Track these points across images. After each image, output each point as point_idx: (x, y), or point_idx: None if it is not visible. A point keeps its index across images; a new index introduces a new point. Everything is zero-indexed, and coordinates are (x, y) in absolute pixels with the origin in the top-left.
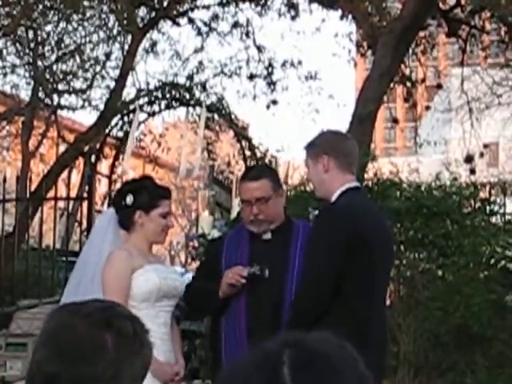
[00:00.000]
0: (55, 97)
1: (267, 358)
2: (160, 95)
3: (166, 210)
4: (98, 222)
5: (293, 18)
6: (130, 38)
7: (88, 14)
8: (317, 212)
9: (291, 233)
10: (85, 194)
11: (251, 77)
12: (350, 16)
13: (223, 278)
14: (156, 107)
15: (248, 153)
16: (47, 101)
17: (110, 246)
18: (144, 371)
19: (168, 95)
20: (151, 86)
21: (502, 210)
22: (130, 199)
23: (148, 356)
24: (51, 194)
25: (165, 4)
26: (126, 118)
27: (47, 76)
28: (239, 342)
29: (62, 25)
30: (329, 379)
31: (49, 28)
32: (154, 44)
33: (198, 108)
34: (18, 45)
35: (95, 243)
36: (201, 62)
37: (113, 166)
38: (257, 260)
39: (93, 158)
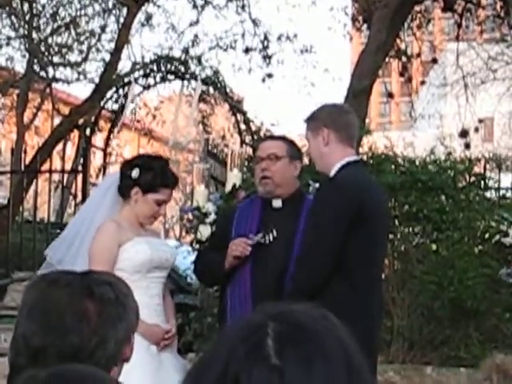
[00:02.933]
0: (50, 69)
1: (251, 329)
2: (155, 68)
3: (163, 199)
4: (100, 184)
5: None
6: (125, 10)
7: None
8: (317, 185)
9: (302, 205)
10: (80, 167)
11: (247, 50)
12: None
13: (228, 251)
14: (151, 80)
15: (243, 126)
16: (42, 73)
17: (108, 206)
18: (129, 334)
19: (163, 68)
20: (146, 59)
21: (496, 185)
22: (135, 173)
23: (132, 320)
24: (46, 166)
25: None
26: (121, 91)
27: (42, 49)
28: (244, 310)
29: None
30: (313, 351)
31: (44, 0)
32: (149, 17)
33: (193, 81)
34: (13, 17)
35: (94, 201)
36: (196, 36)
37: (108, 139)
38: (265, 228)
39: (88, 131)
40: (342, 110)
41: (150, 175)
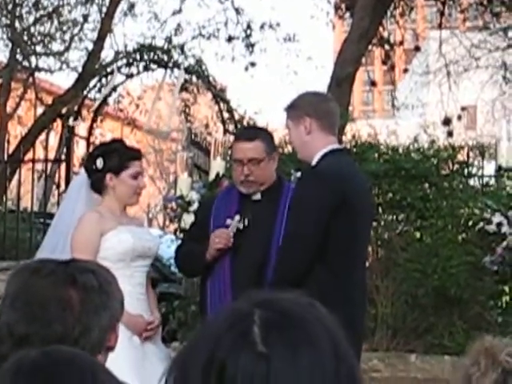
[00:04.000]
0: (33, 59)
1: (238, 317)
2: (138, 57)
3: (136, 170)
4: (71, 186)
5: None
6: None
7: None
8: (299, 174)
9: (280, 193)
10: (63, 157)
11: (229, 39)
12: None
13: (210, 243)
14: (134, 69)
15: (226, 115)
16: (25, 63)
17: (82, 208)
18: (113, 322)
19: (146, 57)
20: (129, 49)
21: (480, 173)
22: (100, 162)
23: (116, 308)
24: (29, 156)
25: None
26: (103, 80)
27: (25, 38)
28: (223, 300)
29: None
30: (299, 338)
31: None
32: (132, 6)
33: (176, 70)
34: None
35: (68, 206)
36: (179, 25)
37: (91, 128)
38: (243, 216)
39: (71, 120)
40: (324, 98)
41: (114, 156)
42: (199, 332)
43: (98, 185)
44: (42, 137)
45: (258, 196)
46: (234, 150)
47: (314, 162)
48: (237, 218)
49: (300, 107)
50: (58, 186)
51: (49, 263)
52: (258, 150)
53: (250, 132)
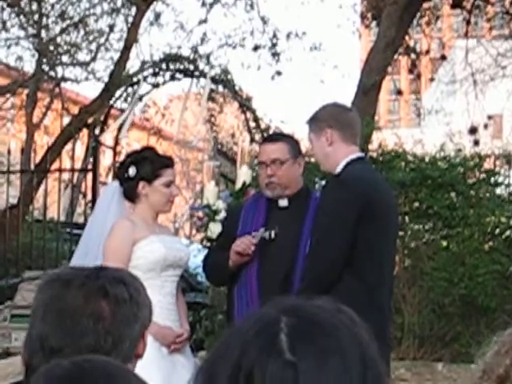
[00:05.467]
0: (59, 69)
1: (265, 324)
2: (164, 67)
3: (169, 179)
4: (102, 195)
5: None
6: (134, 9)
7: None
8: (324, 182)
9: (308, 202)
10: (89, 166)
11: (255, 48)
12: None
13: (232, 246)
14: (160, 79)
15: (252, 124)
16: (51, 73)
17: (114, 217)
18: (143, 331)
19: (172, 67)
20: (155, 58)
21: (506, 181)
22: (132, 171)
23: (146, 316)
24: (56, 165)
25: None
26: (130, 90)
27: (51, 48)
28: (250, 309)
29: None
30: (327, 345)
31: (53, 0)
32: (158, 16)
33: (202, 80)
34: (21, 16)
35: (99, 216)
36: (205, 34)
37: (117, 138)
38: (271, 227)
39: (97, 130)
40: (344, 109)
41: (147, 164)
42: (226, 339)
43: (130, 193)
44: (69, 146)
45: (285, 203)
46: (259, 152)
47: (337, 172)
48: (261, 230)
49: (321, 119)
50: (85, 196)
51: (79, 273)
52: (281, 150)
53: (274, 135)
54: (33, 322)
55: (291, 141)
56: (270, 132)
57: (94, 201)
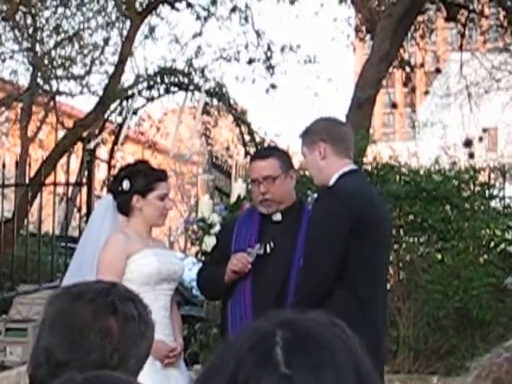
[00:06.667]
0: (54, 82)
1: (260, 338)
2: (159, 80)
3: (164, 192)
4: (96, 209)
5: (291, 2)
6: (128, 23)
7: None
8: (316, 195)
9: (301, 215)
10: (84, 180)
11: (250, 61)
12: (348, 0)
13: (228, 265)
14: (155, 92)
15: (247, 137)
16: (46, 87)
17: (108, 231)
18: (149, 351)
19: (167, 80)
20: (150, 72)
21: (501, 194)
22: (126, 184)
23: (151, 337)
24: (50, 179)
25: None
26: (124, 104)
27: (46, 62)
28: (244, 323)
29: (61, 10)
30: (322, 358)
31: (47, 13)
32: (152, 29)
33: (196, 93)
34: (16, 30)
35: (93, 230)
36: (199, 47)
37: (112, 152)
38: (265, 241)
39: (92, 144)
40: (337, 123)
41: (140, 178)
42: (221, 353)
43: (124, 206)
44: (63, 160)
45: (278, 217)
46: (250, 169)
47: (330, 184)
48: (257, 246)
49: (314, 133)
50: (80, 210)
51: (91, 288)
52: (272, 167)
53: (264, 151)
54: (40, 334)
55: (281, 154)
56: (265, 145)
57: (88, 214)
